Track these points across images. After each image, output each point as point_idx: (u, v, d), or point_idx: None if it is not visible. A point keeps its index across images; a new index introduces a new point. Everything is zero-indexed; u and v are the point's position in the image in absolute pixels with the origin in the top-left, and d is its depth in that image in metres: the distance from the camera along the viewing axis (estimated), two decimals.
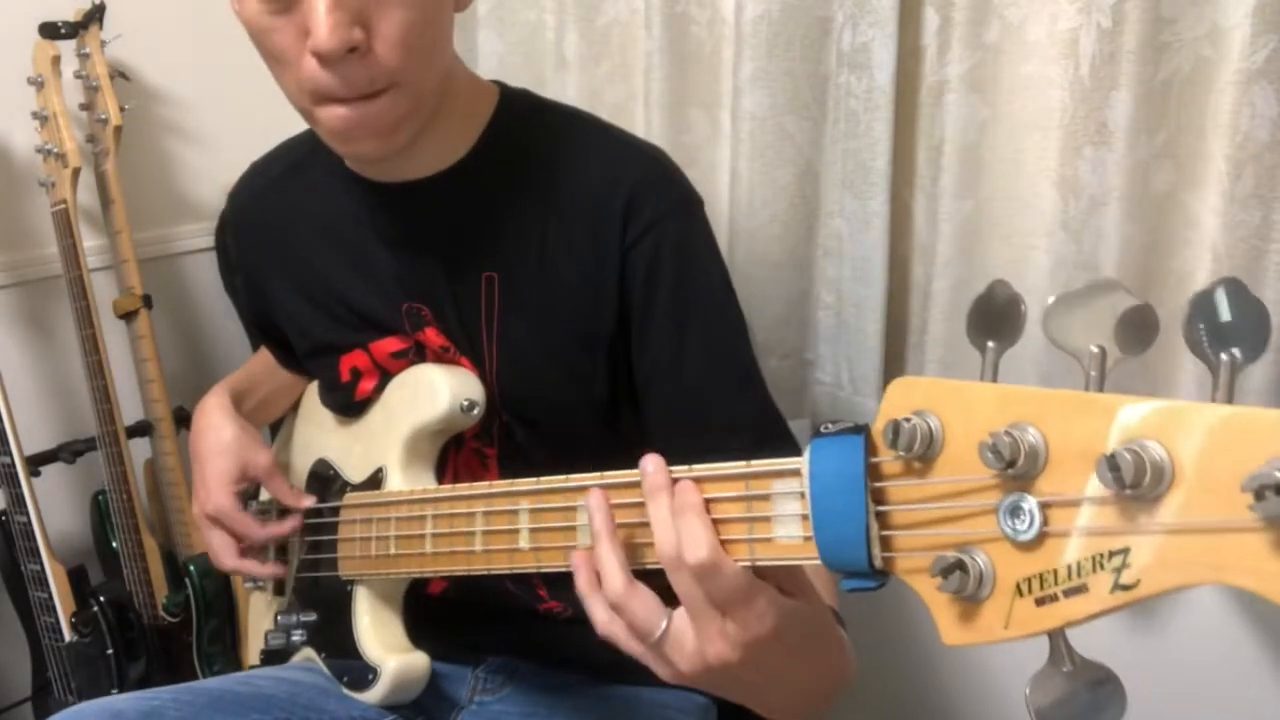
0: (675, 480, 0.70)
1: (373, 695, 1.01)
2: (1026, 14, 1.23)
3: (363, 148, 0.94)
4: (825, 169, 1.41)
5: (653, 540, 0.69)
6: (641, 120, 1.50)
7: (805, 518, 0.63)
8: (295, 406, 1.31)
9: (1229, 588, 0.44)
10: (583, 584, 0.73)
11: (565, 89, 1.54)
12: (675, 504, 0.68)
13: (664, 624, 0.69)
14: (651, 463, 0.71)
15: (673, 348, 1.01)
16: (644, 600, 0.70)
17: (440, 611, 1.11)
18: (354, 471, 1.09)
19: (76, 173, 1.53)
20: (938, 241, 1.34)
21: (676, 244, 1.00)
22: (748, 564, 0.66)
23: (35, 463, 1.58)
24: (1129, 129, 1.17)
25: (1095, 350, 0.52)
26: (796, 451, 1.03)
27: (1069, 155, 1.22)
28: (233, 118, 1.70)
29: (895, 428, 0.56)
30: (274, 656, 1.16)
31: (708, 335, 1.02)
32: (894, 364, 1.45)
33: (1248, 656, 1.36)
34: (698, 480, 0.69)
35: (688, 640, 0.69)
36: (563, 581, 0.76)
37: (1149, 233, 1.21)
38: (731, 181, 1.43)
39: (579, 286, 1.00)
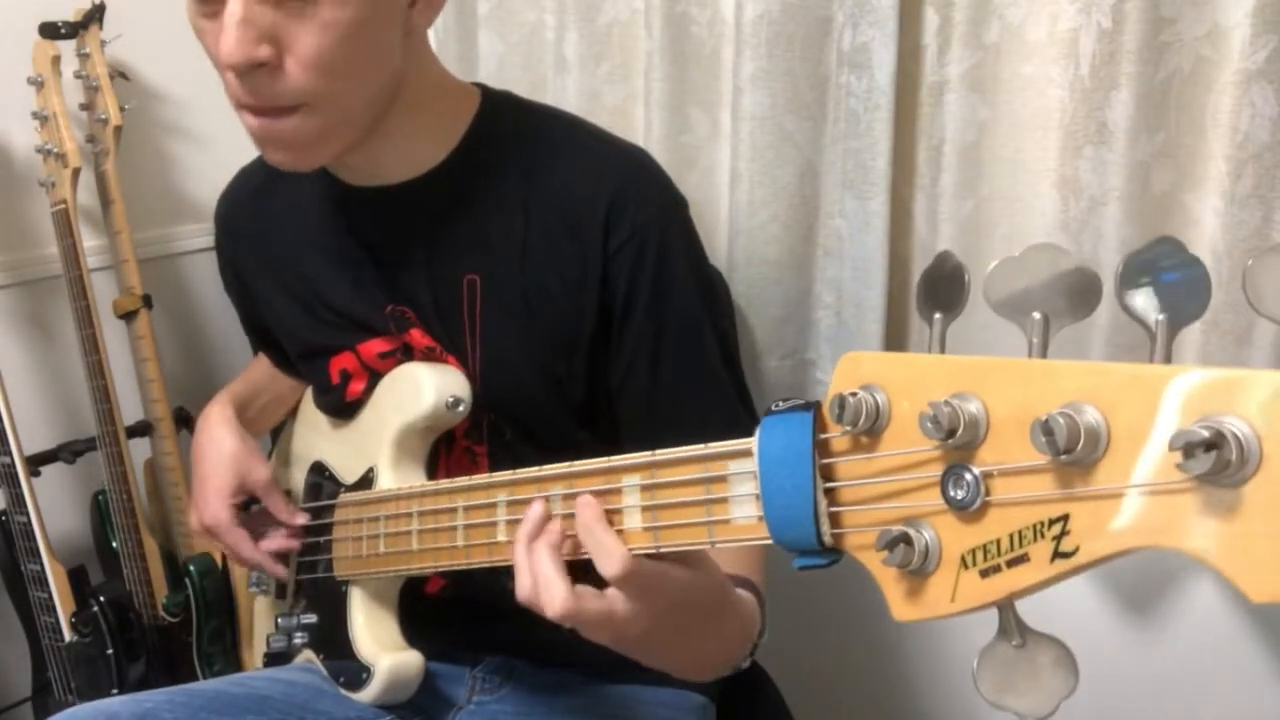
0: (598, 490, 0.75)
1: (367, 694, 1.02)
2: (1026, 14, 1.23)
3: (277, 158, 0.95)
4: (825, 169, 1.41)
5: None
6: (641, 120, 1.50)
7: (758, 497, 0.63)
8: (295, 411, 1.31)
9: (1165, 552, 0.44)
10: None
11: (565, 89, 1.54)
12: (580, 520, 0.74)
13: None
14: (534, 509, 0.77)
15: (648, 351, 1.02)
16: (552, 593, 0.74)
17: (438, 611, 1.11)
18: (347, 473, 1.09)
19: (76, 173, 1.53)
20: (938, 241, 1.34)
21: (658, 250, 1.01)
22: (706, 546, 0.69)
23: (35, 463, 1.58)
24: (1129, 129, 1.17)
25: (1037, 316, 0.52)
26: None
27: (1069, 155, 1.22)
28: (233, 118, 1.69)
29: (841, 402, 0.56)
30: (276, 659, 1.16)
31: (681, 338, 1.03)
32: None
33: (1249, 656, 1.36)
34: (659, 464, 0.71)
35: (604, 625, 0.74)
36: None
37: (1149, 233, 1.21)
38: (731, 181, 1.43)
39: (561, 289, 1.01)
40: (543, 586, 0.74)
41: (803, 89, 1.37)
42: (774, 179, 1.40)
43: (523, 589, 0.76)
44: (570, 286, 1.01)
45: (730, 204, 1.45)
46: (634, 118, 1.53)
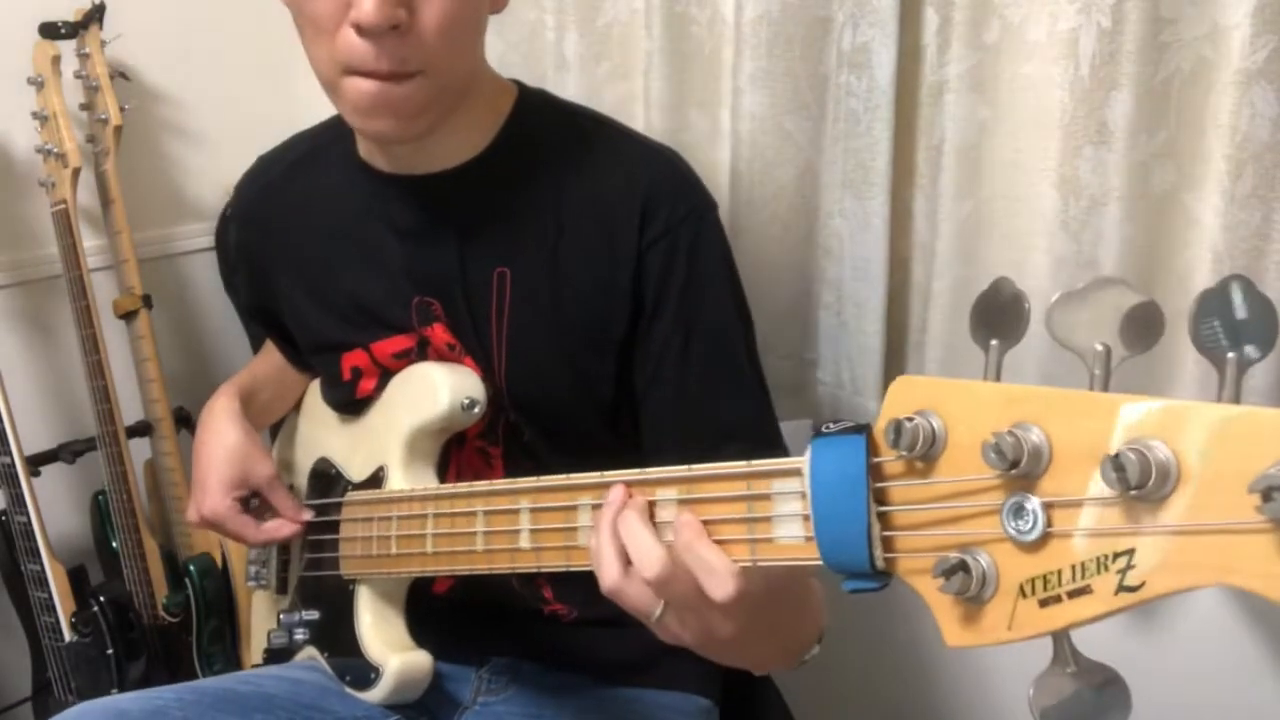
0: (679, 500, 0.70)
1: (375, 694, 1.02)
2: (1026, 14, 1.23)
3: (381, 125, 0.95)
4: (825, 169, 1.41)
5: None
6: (641, 120, 1.50)
7: (806, 518, 0.62)
8: (298, 405, 1.31)
9: (1233, 589, 0.44)
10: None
11: (565, 89, 1.54)
12: (683, 540, 0.68)
13: (658, 611, 0.70)
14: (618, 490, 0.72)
15: (675, 350, 1.01)
16: (638, 590, 0.70)
17: (444, 611, 1.11)
18: (355, 470, 1.09)
19: (76, 173, 1.53)
20: (938, 241, 1.34)
21: (690, 248, 1.01)
22: (748, 564, 0.66)
23: (35, 463, 1.58)
24: (1129, 129, 1.17)
25: (1100, 348, 0.51)
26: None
27: (1069, 155, 1.22)
28: (233, 118, 1.70)
29: (897, 427, 0.56)
30: (277, 655, 1.16)
31: (710, 340, 1.02)
32: (894, 364, 1.45)
33: (1251, 656, 1.36)
34: (698, 479, 0.69)
35: (690, 622, 0.70)
36: (569, 583, 0.76)
37: (1149, 233, 1.21)
38: (731, 181, 1.43)
39: (591, 287, 1.01)
40: (706, 577, 0.67)
41: (803, 89, 1.37)
42: (774, 179, 1.40)
43: (611, 572, 0.71)
44: (601, 283, 1.01)
45: (730, 204, 1.44)
46: (634, 117, 1.52)
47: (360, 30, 0.87)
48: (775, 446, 1.05)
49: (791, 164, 1.40)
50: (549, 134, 1.05)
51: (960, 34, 1.26)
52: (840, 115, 1.37)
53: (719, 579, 0.66)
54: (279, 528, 1.11)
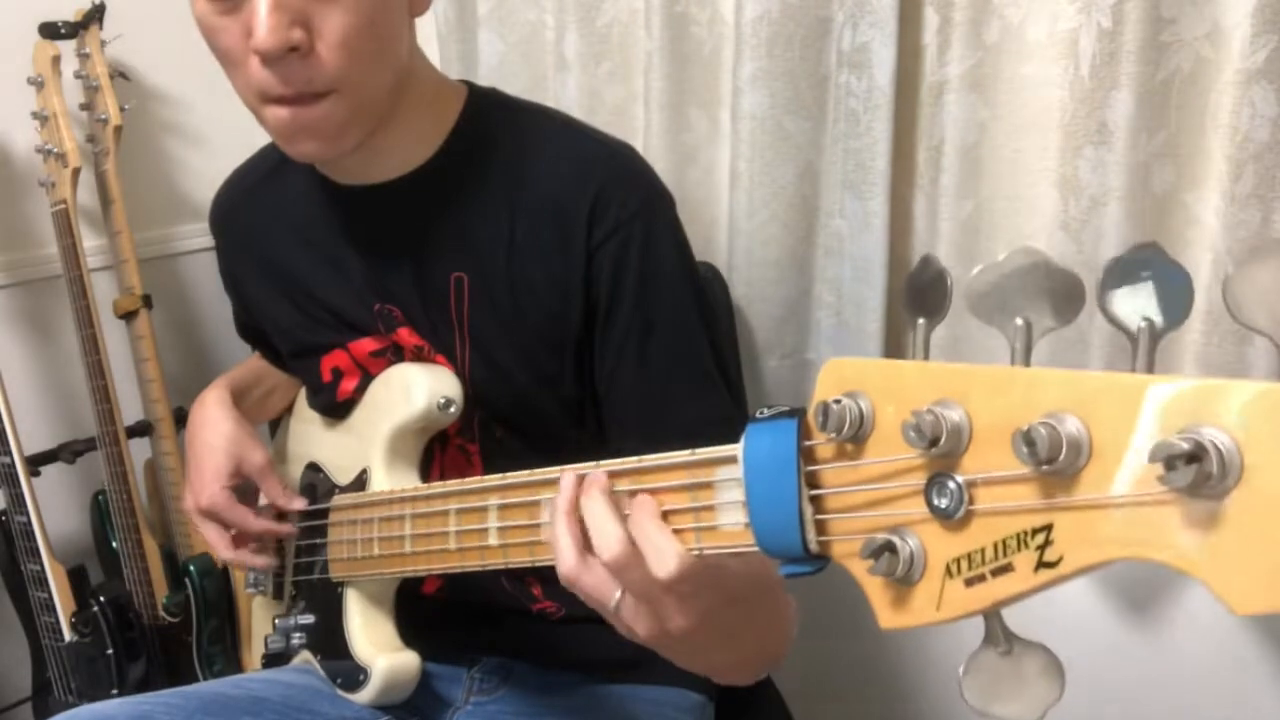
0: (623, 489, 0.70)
1: (364, 695, 1.02)
2: (1026, 14, 1.23)
3: (306, 149, 0.95)
4: (825, 169, 1.41)
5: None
6: (641, 120, 1.50)
7: (745, 504, 0.62)
8: (292, 408, 1.31)
9: (1147, 563, 0.43)
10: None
11: (565, 89, 1.54)
12: (634, 518, 0.68)
13: (617, 596, 0.69)
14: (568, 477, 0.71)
15: (634, 347, 1.01)
16: (596, 576, 0.69)
17: (435, 612, 1.11)
18: (341, 473, 1.09)
19: (76, 173, 1.53)
20: (938, 241, 1.34)
21: (643, 245, 1.00)
22: (695, 552, 0.66)
23: (35, 463, 1.58)
24: (1129, 129, 1.16)
25: (1020, 322, 0.51)
26: None
27: (1069, 155, 1.22)
28: (233, 118, 1.68)
29: (825, 410, 0.55)
30: (274, 660, 1.16)
31: (669, 336, 1.02)
32: None
33: (1246, 657, 1.36)
34: (647, 470, 0.69)
35: (644, 613, 0.69)
36: (557, 580, 0.76)
37: (1149, 233, 1.20)
38: (731, 181, 1.43)
39: (547, 286, 1.01)
40: (655, 557, 0.66)
41: (802, 89, 1.37)
42: (774, 179, 1.40)
43: (569, 558, 0.70)
44: (556, 283, 1.00)
45: (730, 204, 1.44)
46: (634, 117, 1.52)
47: (261, 58, 0.86)
48: None
49: (791, 164, 1.40)
50: (500, 135, 1.04)
51: (960, 34, 1.26)
52: (840, 115, 1.37)
53: (663, 557, 0.65)
54: (276, 526, 1.11)
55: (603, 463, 0.72)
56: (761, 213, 1.42)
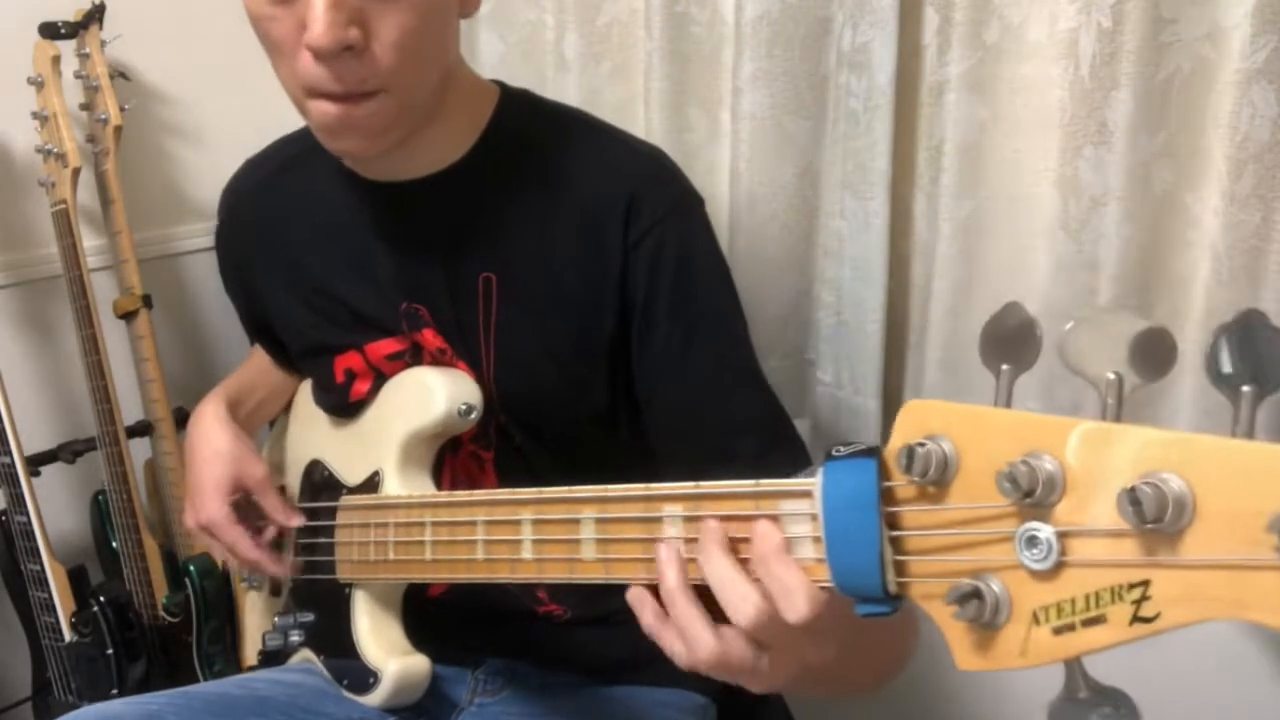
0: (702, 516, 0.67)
1: (374, 698, 1.01)
2: (1026, 14, 1.23)
3: (349, 145, 0.95)
4: (825, 169, 1.41)
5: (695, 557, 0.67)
6: (641, 120, 1.50)
7: (817, 539, 0.62)
8: (288, 407, 1.30)
9: (1247, 624, 0.44)
10: (650, 620, 0.69)
11: (565, 89, 1.54)
12: (756, 558, 0.64)
13: (764, 662, 0.66)
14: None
15: (676, 350, 1.00)
16: (737, 649, 0.65)
17: (439, 614, 1.11)
18: (350, 474, 1.08)
19: (76, 173, 1.53)
20: (938, 241, 1.34)
21: (678, 244, 1.00)
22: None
23: (35, 463, 1.57)
24: (1129, 129, 1.17)
25: (1112, 377, 0.51)
26: (804, 453, 1.01)
27: (1069, 155, 1.22)
28: (233, 118, 1.70)
29: (910, 452, 0.55)
30: (272, 658, 1.16)
31: (711, 337, 1.01)
32: (894, 364, 1.44)
33: (1251, 660, 1.36)
34: (704, 497, 0.68)
35: (783, 660, 0.66)
36: (562, 583, 0.75)
37: (1149, 233, 1.21)
38: (731, 181, 1.43)
39: (578, 288, 1.00)
40: (785, 600, 0.62)
41: (802, 89, 1.37)
42: (774, 179, 1.40)
43: (704, 645, 0.65)
44: (589, 285, 1.00)
45: (730, 204, 1.44)
46: (634, 117, 1.52)
47: (315, 54, 0.86)
48: (790, 441, 1.03)
49: (791, 164, 1.40)
50: (532, 136, 1.04)
51: (960, 34, 1.26)
52: (840, 115, 1.37)
53: (792, 599, 0.61)
54: (273, 563, 1.10)
55: (655, 485, 0.70)
56: (761, 213, 1.42)
